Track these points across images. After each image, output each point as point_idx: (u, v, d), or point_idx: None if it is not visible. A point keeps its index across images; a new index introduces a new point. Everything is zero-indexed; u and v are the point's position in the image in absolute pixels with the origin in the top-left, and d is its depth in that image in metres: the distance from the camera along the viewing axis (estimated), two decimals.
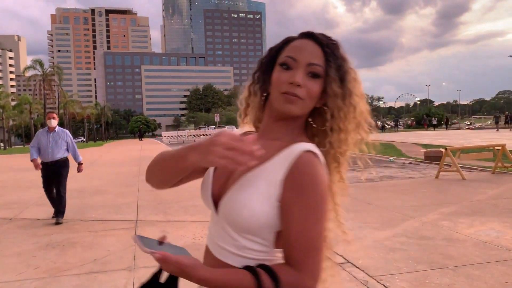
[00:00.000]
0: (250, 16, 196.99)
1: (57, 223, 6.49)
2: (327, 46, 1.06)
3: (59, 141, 6.81)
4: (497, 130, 36.74)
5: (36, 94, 59.03)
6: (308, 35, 1.08)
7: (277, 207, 0.99)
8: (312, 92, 1.04)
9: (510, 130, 36.61)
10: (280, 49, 1.11)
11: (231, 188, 1.04)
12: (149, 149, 28.56)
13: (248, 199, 0.99)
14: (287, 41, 1.11)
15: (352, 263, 4.22)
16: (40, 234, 6.00)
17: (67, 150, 6.94)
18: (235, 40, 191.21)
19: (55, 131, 6.89)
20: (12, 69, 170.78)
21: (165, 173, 1.08)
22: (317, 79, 1.04)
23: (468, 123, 68.25)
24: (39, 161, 6.79)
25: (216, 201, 1.08)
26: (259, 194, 0.99)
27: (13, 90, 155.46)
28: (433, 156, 13.28)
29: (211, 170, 1.13)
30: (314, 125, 1.13)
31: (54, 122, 6.92)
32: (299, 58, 1.04)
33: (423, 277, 3.79)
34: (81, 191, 9.93)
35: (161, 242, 1.02)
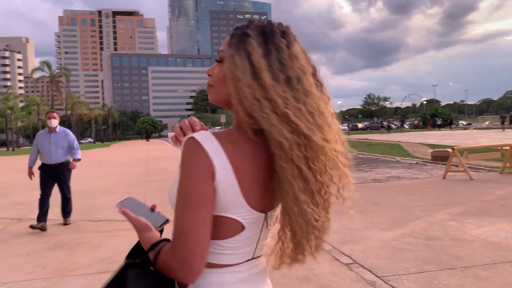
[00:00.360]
0: (256, 17, 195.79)
1: (65, 224, 6.47)
2: (235, 30, 1.07)
3: (61, 142, 6.47)
4: (503, 130, 36.71)
5: (44, 95, 59.48)
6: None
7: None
8: (216, 75, 1.08)
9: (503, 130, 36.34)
10: None
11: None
12: (156, 149, 28.66)
13: (172, 184, 1.06)
14: None
15: (359, 264, 4.21)
16: (48, 234, 6.04)
17: (69, 151, 6.64)
18: None
19: (56, 131, 6.52)
20: (21, 70, 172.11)
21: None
22: (221, 63, 1.07)
23: (465, 123, 67.48)
24: (38, 164, 6.55)
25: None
26: (175, 179, 1.03)
27: (21, 91, 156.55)
28: (440, 156, 13.22)
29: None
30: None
31: (55, 122, 6.51)
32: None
33: (431, 277, 3.77)
34: (89, 192, 9.98)
35: (152, 210, 1.16)
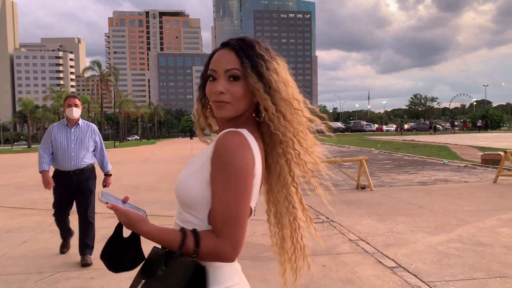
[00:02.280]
0: (300, 16, 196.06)
1: (85, 265, 4.46)
2: (241, 50, 1.18)
3: (85, 140, 4.66)
4: None
5: (93, 94, 61.85)
6: (224, 45, 1.22)
7: (207, 183, 1.13)
8: (235, 93, 1.16)
9: None
10: (209, 63, 1.23)
11: (180, 173, 1.22)
12: (199, 147, 29.01)
13: (186, 177, 1.17)
14: (212, 54, 1.24)
15: (404, 268, 4.12)
16: (98, 227, 6.22)
17: (94, 154, 4.85)
18: (284, 40, 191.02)
19: (78, 124, 4.68)
20: (73, 70, 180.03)
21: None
22: (238, 81, 1.17)
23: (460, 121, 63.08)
24: (51, 173, 4.66)
25: None
26: (195, 174, 1.16)
27: (73, 90, 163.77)
28: (491, 160, 12.67)
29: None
30: (258, 118, 1.24)
31: (77, 112, 4.64)
32: (218, 68, 1.18)
33: (480, 285, 3.63)
34: (136, 187, 10.31)
35: (124, 202, 1.23)
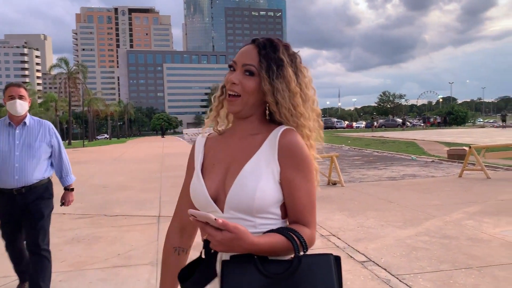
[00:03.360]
0: (271, 13, 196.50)
1: None
2: (264, 48, 1.22)
3: (36, 145, 3.31)
4: (503, 128, 39.78)
5: (61, 92, 60.22)
6: (253, 41, 1.27)
7: (279, 182, 1.18)
8: (247, 87, 1.20)
9: None
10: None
11: (234, 182, 1.17)
12: (171, 146, 28.85)
13: (256, 183, 1.16)
14: (242, 47, 1.28)
15: (374, 262, 4.20)
16: (66, 228, 6.15)
17: (51, 163, 3.51)
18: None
19: (25, 123, 3.35)
20: (39, 67, 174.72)
21: None
22: (252, 76, 1.21)
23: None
24: None
25: (217, 200, 1.21)
26: (263, 176, 1.17)
27: (40, 88, 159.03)
28: (456, 155, 13.05)
29: (196, 183, 1.25)
30: (268, 118, 1.30)
31: (22, 106, 3.31)
32: (237, 60, 1.23)
33: (447, 277, 3.74)
34: (106, 187, 10.12)
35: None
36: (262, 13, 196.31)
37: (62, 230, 6.01)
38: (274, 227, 1.16)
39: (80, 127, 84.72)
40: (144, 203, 7.88)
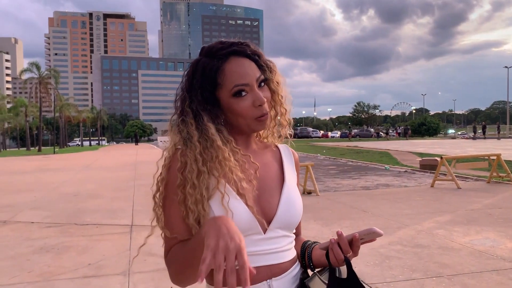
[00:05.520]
0: (248, 22, 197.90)
1: None
2: (254, 54, 1.12)
3: None
4: (474, 139, 41.46)
5: (32, 97, 58.83)
6: (233, 53, 1.09)
7: None
8: (268, 97, 1.14)
9: (498, 139, 38.93)
10: (212, 80, 1.08)
11: (283, 199, 1.13)
12: (144, 153, 28.50)
13: (298, 201, 1.16)
14: (213, 69, 1.08)
15: None
16: (34, 237, 5.96)
17: None
18: None
19: None
20: (8, 71, 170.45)
21: (193, 265, 0.99)
22: (264, 84, 1.13)
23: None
24: None
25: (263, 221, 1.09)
26: (298, 193, 1.19)
27: (9, 92, 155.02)
28: (428, 165, 13.33)
29: (234, 204, 1.05)
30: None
31: None
32: (249, 81, 1.07)
33: (418, 285, 3.79)
34: (76, 195, 9.88)
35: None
36: (239, 21, 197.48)
37: (30, 239, 5.83)
38: (292, 241, 1.18)
39: (51, 133, 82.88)
40: (116, 211, 7.72)
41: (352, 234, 1.04)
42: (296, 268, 1.16)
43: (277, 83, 1.17)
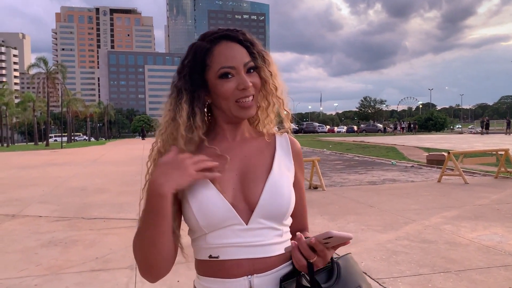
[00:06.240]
0: (254, 17, 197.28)
1: None
2: (245, 41, 1.11)
3: None
4: (482, 134, 41.37)
5: (39, 92, 59.12)
6: (223, 37, 1.10)
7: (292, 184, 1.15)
8: (257, 84, 1.11)
9: (506, 134, 38.82)
10: (201, 60, 1.09)
11: (266, 188, 1.07)
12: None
13: (288, 188, 1.10)
14: (203, 50, 1.09)
15: None
16: (42, 231, 6.01)
17: None
18: None
19: None
20: (16, 66, 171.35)
21: (155, 241, 0.99)
22: (254, 71, 1.11)
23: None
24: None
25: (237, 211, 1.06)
26: (290, 181, 1.13)
27: (17, 87, 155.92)
28: (435, 160, 13.26)
29: (207, 194, 1.04)
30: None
31: None
32: (235, 64, 1.08)
33: (425, 280, 3.77)
34: (84, 189, 9.95)
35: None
36: (245, 16, 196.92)
37: (38, 233, 5.88)
38: (289, 234, 1.13)
39: (59, 128, 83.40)
40: (123, 206, 7.76)
41: (310, 238, 0.95)
42: (287, 268, 1.08)
43: (270, 72, 1.13)
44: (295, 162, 1.17)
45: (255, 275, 1.04)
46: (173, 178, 0.97)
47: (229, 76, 1.07)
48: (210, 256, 1.06)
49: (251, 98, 1.09)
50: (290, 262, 1.08)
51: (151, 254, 1.01)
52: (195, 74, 1.10)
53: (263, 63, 1.12)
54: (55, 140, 69.54)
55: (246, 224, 1.05)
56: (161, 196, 0.97)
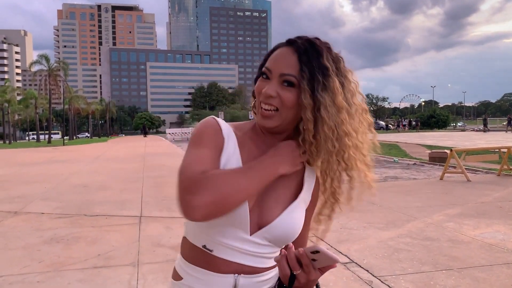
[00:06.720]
0: (256, 14, 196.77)
1: None
2: (305, 53, 1.03)
3: None
4: (484, 131, 41.12)
5: (41, 89, 59.17)
6: (289, 43, 1.06)
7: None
8: (287, 100, 1.02)
9: (506, 132, 38.95)
10: (268, 57, 1.10)
11: (285, 212, 1.07)
12: (153, 145, 28.59)
13: (297, 224, 1.09)
14: (274, 49, 1.10)
15: (356, 263, 4.21)
16: (45, 228, 6.02)
17: None
18: (241, 38, 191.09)
19: None
20: (18, 63, 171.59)
21: (246, 193, 0.99)
22: (292, 87, 1.02)
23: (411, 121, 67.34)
24: None
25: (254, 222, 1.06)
26: (302, 217, 1.12)
27: (19, 84, 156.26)
28: (438, 157, 13.24)
29: None
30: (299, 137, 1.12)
31: None
32: (273, 69, 1.04)
33: (427, 278, 3.77)
34: (86, 186, 9.96)
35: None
36: (247, 13, 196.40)
37: (41, 230, 5.89)
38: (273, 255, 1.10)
39: (61, 125, 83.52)
40: (125, 203, 7.77)
41: (299, 249, 0.95)
42: (270, 273, 1.11)
43: (311, 103, 1.02)
44: (313, 198, 1.15)
45: (242, 275, 1.06)
46: (290, 163, 1.07)
47: (264, 76, 1.06)
48: (204, 247, 1.06)
49: (271, 109, 1.03)
50: (275, 270, 1.11)
51: (232, 198, 0.96)
52: (258, 75, 1.12)
53: (309, 85, 1.01)
54: (87, 136, 69.29)
55: (250, 235, 1.05)
56: (278, 173, 1.04)
